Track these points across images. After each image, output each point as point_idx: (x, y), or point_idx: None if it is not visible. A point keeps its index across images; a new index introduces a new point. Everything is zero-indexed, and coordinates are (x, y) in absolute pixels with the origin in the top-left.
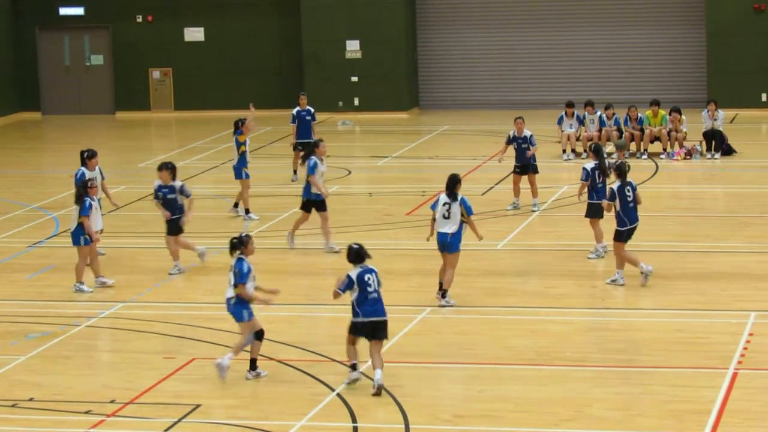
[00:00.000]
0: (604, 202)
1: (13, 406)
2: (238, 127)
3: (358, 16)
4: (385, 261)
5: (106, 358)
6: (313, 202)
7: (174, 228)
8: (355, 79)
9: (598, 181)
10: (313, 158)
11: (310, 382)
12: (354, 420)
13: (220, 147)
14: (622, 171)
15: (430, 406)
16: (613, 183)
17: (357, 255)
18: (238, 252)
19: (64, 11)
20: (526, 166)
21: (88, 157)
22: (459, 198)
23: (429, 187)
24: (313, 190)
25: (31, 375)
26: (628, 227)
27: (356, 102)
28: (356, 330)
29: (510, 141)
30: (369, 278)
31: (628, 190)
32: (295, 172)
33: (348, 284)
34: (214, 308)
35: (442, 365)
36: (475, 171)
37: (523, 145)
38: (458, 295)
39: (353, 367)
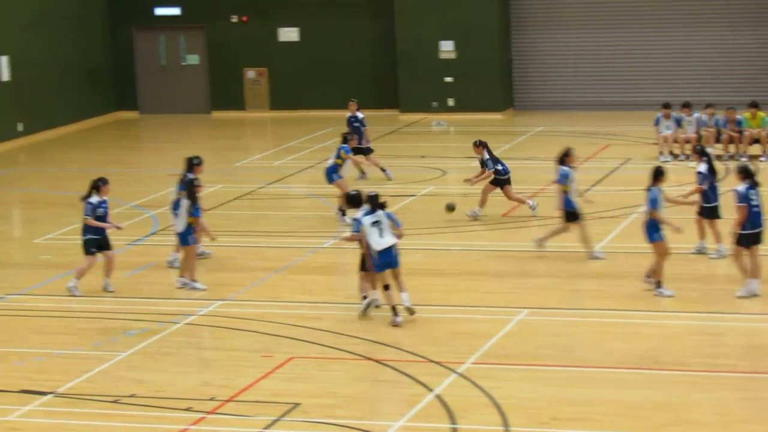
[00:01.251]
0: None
1: (114, 401)
2: (346, 141)
3: (452, 16)
4: (480, 262)
5: (206, 356)
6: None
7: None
8: (449, 79)
9: (713, 182)
10: (565, 167)
11: (408, 382)
12: (453, 421)
13: (315, 147)
14: (749, 172)
15: (527, 408)
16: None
17: (354, 200)
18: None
19: (160, 11)
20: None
21: (197, 164)
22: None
23: (524, 188)
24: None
25: (132, 371)
26: (750, 231)
27: (450, 103)
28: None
29: None
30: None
31: (753, 193)
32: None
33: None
34: (310, 307)
35: (539, 367)
36: None
37: None
38: (556, 297)
39: (365, 297)
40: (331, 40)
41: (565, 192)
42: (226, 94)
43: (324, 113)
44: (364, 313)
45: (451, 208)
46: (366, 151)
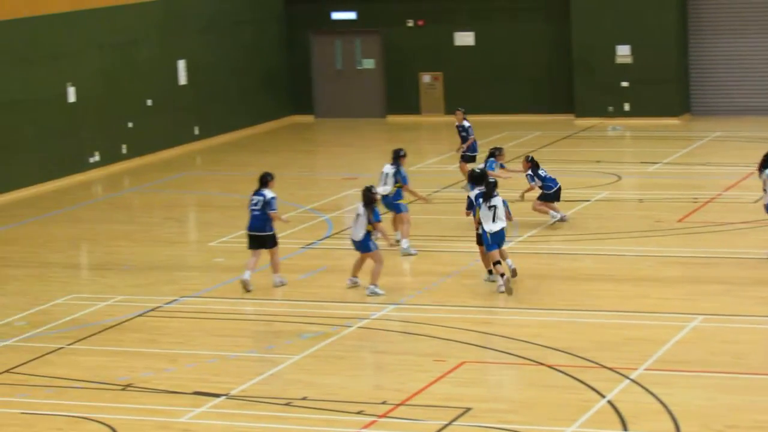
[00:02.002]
0: None
1: (286, 404)
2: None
3: (628, 21)
4: (655, 268)
5: (377, 360)
6: None
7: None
8: (625, 84)
9: None
10: None
11: (580, 388)
12: (625, 427)
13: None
14: None
15: (701, 416)
16: None
17: (476, 178)
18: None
19: (336, 16)
20: None
21: (402, 156)
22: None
23: (701, 194)
24: None
25: (305, 374)
26: None
27: (626, 107)
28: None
29: None
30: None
31: None
32: None
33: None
34: (483, 311)
35: (713, 374)
36: (747, 178)
37: None
38: (732, 304)
39: (490, 272)
40: (506, 45)
41: None
42: (401, 98)
43: (499, 117)
44: (506, 289)
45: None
46: (468, 159)
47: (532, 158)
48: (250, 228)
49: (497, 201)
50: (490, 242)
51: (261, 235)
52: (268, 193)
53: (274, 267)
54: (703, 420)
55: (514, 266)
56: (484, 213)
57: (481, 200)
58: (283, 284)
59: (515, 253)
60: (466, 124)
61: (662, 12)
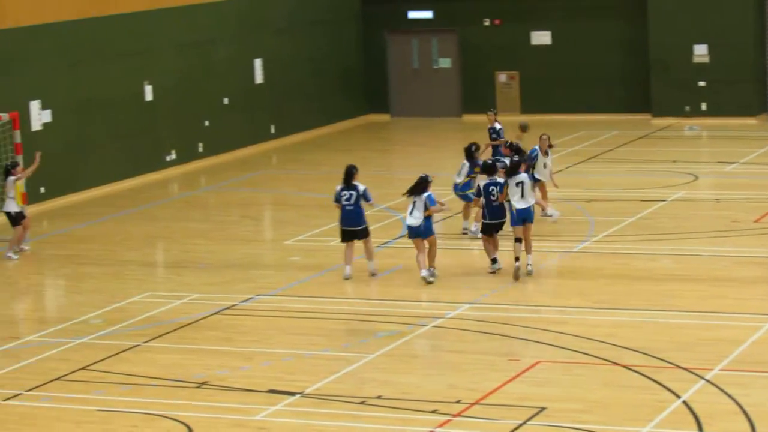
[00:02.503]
0: None
1: (361, 403)
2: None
3: (706, 20)
4: (732, 269)
5: (452, 359)
6: None
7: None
8: (702, 83)
9: None
10: None
11: (655, 388)
12: (700, 429)
13: (566, 151)
14: None
15: None
16: None
17: (488, 168)
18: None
19: (413, 15)
20: None
21: (474, 150)
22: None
23: None
24: None
25: (379, 373)
26: None
27: (703, 107)
28: (487, 229)
29: None
30: (493, 189)
31: None
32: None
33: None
34: (558, 311)
35: None
36: None
37: None
38: None
39: (494, 261)
40: (583, 44)
41: None
42: (477, 98)
43: (575, 117)
44: (515, 275)
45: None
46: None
47: (512, 144)
48: (345, 223)
49: (523, 177)
50: (516, 218)
51: (356, 229)
52: (360, 186)
53: (368, 254)
54: None
55: (531, 267)
56: (512, 190)
57: (509, 180)
58: (375, 273)
59: (591, 252)
60: (497, 126)
61: (740, 11)
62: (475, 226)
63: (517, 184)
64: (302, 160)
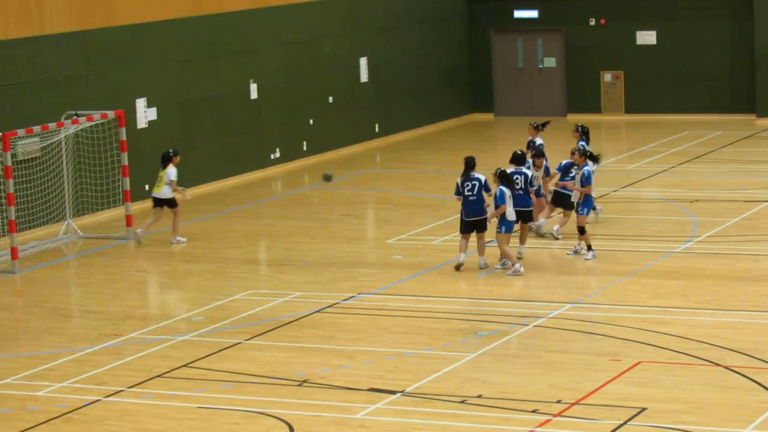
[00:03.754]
0: None
1: (462, 402)
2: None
3: None
4: None
5: (553, 358)
6: None
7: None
8: None
9: None
10: None
11: (757, 389)
12: None
13: (670, 151)
14: None
15: None
16: None
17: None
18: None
19: (518, 14)
20: None
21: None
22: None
23: None
24: None
25: (480, 372)
26: None
27: None
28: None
29: None
30: (518, 178)
31: None
32: None
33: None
34: (660, 312)
35: None
36: None
37: None
38: None
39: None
40: (688, 43)
41: None
42: (582, 97)
43: (680, 117)
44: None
45: (327, 178)
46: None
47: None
48: (469, 214)
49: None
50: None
51: (478, 219)
52: (481, 176)
53: (481, 249)
54: None
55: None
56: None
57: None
58: (486, 266)
59: (694, 253)
60: (538, 141)
61: None
62: (542, 220)
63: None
64: (406, 159)
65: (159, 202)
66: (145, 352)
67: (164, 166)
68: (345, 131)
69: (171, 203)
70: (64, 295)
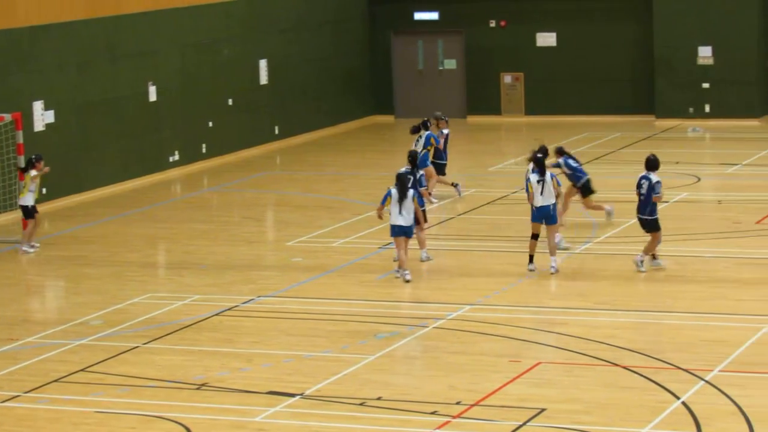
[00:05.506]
0: None
1: (361, 404)
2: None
3: (710, 22)
4: (733, 270)
5: (452, 360)
6: None
7: None
8: (706, 85)
9: None
10: None
11: (655, 389)
12: (699, 430)
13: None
14: None
15: None
16: None
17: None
18: None
19: (419, 16)
20: None
21: None
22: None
23: None
24: None
25: (379, 374)
26: None
27: (707, 109)
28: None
29: None
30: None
31: None
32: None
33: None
34: (559, 312)
35: None
36: None
37: None
38: None
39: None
40: (588, 45)
41: None
42: (482, 99)
43: (580, 118)
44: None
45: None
46: (438, 167)
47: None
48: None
49: (546, 176)
50: (535, 214)
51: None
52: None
53: (421, 243)
54: None
55: (556, 269)
56: (535, 188)
57: (531, 176)
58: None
59: (593, 254)
60: (445, 131)
61: (744, 13)
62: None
63: (538, 182)
64: (306, 161)
65: (26, 210)
66: (42, 357)
67: (26, 170)
68: (244, 133)
69: (29, 212)
70: None
